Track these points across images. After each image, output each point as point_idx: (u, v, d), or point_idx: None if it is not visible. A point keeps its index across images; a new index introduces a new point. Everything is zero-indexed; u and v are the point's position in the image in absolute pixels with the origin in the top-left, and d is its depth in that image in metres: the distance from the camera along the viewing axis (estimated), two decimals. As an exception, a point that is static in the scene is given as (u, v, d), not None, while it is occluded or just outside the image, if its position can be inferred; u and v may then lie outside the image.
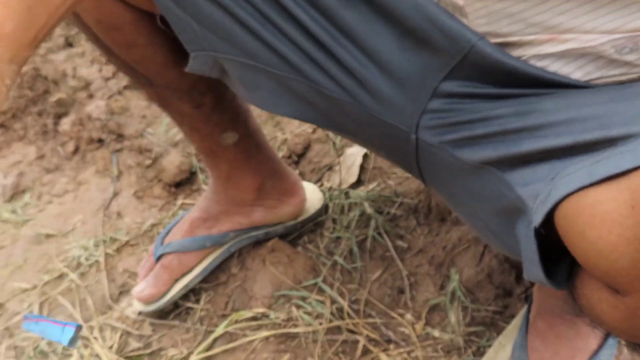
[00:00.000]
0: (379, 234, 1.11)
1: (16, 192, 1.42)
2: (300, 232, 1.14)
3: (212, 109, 0.94)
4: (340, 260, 1.08)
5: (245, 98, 0.81)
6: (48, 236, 1.29)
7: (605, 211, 0.51)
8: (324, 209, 1.15)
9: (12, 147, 1.53)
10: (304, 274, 1.08)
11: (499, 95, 0.63)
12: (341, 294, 1.04)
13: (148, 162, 1.36)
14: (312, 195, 1.14)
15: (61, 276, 1.20)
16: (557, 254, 0.59)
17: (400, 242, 1.10)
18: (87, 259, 1.21)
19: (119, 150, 1.41)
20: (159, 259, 1.08)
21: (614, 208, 0.50)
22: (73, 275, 1.19)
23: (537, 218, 0.55)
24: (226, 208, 1.07)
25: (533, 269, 0.58)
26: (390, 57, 0.67)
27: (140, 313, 1.09)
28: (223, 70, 0.78)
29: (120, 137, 1.42)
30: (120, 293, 1.15)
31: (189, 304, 1.09)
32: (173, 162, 1.31)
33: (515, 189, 0.59)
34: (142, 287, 1.06)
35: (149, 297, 1.06)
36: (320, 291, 1.05)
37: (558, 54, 0.61)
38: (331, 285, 1.05)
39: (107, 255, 1.21)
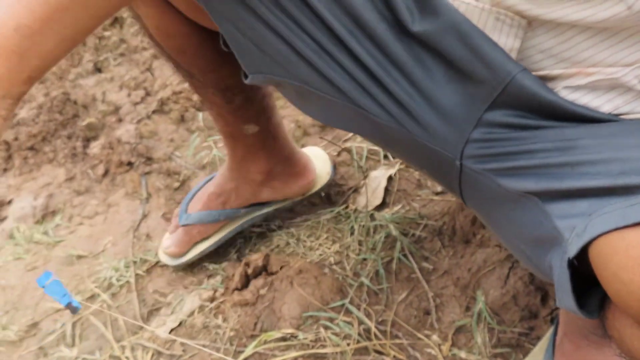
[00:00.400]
0: (405, 255, 1.13)
1: (46, 214, 1.45)
2: (327, 254, 1.16)
3: (240, 106, 1.05)
4: (366, 281, 1.10)
5: (299, 107, 0.87)
6: (79, 257, 1.32)
7: (638, 255, 0.53)
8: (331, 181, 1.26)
9: (41, 169, 1.57)
10: (331, 295, 1.10)
11: (538, 126, 0.66)
12: (368, 315, 1.06)
13: (176, 184, 1.39)
14: (322, 169, 1.25)
15: (93, 297, 1.23)
16: (589, 284, 0.61)
17: (425, 264, 1.12)
18: (118, 280, 1.24)
19: (147, 173, 1.44)
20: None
21: None
22: (104, 296, 1.21)
23: (572, 250, 0.57)
24: (237, 185, 1.18)
25: (565, 298, 0.60)
26: (436, 89, 0.70)
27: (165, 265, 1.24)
28: (278, 83, 0.83)
29: (149, 160, 1.45)
30: (151, 313, 1.17)
31: (219, 324, 1.11)
32: (200, 184, 1.34)
33: (553, 220, 0.61)
34: (168, 244, 1.22)
35: (172, 254, 1.22)
36: (348, 312, 1.07)
37: (587, 86, 0.64)
38: (358, 307, 1.07)
39: (137, 276, 1.24)
